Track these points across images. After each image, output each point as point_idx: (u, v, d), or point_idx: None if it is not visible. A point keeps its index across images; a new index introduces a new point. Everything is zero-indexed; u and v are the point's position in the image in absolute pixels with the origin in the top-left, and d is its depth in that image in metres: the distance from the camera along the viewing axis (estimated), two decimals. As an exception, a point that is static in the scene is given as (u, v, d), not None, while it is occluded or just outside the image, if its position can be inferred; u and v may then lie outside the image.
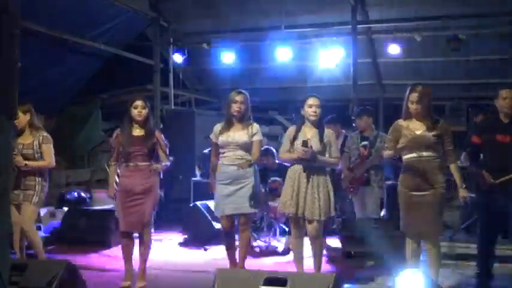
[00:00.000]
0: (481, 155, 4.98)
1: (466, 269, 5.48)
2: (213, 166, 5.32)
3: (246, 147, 5.11)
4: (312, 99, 4.97)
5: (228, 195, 5.08)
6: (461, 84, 10.69)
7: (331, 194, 4.94)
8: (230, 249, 5.28)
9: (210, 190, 5.42)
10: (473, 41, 8.83)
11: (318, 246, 4.99)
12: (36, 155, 5.37)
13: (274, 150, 7.47)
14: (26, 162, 5.27)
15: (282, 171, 7.01)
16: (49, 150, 5.42)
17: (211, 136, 5.29)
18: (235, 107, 5.13)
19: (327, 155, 4.94)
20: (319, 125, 5.00)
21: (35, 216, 5.43)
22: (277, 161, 7.29)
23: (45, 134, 5.47)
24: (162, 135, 5.24)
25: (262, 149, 7.70)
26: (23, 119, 5.35)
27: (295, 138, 4.95)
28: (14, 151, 5.26)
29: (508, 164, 4.71)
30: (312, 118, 4.95)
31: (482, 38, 8.92)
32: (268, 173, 7.37)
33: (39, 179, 5.36)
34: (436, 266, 4.58)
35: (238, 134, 5.11)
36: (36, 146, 5.38)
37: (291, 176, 4.95)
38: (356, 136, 6.62)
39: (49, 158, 5.41)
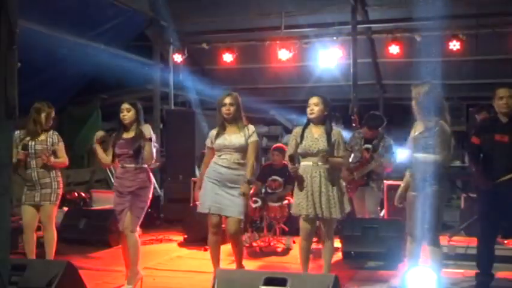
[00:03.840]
0: (481, 155, 4.98)
1: (466, 269, 5.48)
2: (202, 174, 5.19)
3: (243, 150, 5.04)
4: (310, 98, 4.98)
5: (216, 194, 4.96)
6: (461, 84, 10.70)
7: (344, 190, 4.98)
8: (215, 250, 5.10)
9: (195, 199, 5.29)
10: (473, 41, 8.84)
11: (332, 246, 5.01)
12: (47, 153, 5.34)
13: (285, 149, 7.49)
14: (52, 159, 5.28)
15: (285, 172, 7.05)
16: (63, 148, 5.46)
17: (207, 142, 5.20)
18: (224, 110, 5.05)
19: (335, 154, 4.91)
20: (325, 124, 4.95)
21: (55, 214, 5.43)
22: (284, 161, 7.31)
23: (56, 133, 5.47)
24: (153, 137, 5.08)
25: (275, 145, 7.73)
26: (41, 118, 5.36)
27: (302, 137, 4.93)
28: (26, 149, 5.29)
29: (506, 163, 4.71)
30: (309, 116, 4.96)
31: (482, 38, 8.94)
32: (271, 171, 7.37)
33: (54, 175, 5.36)
34: (437, 266, 4.57)
35: (234, 137, 5.03)
36: (50, 143, 5.37)
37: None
38: (360, 137, 6.59)
39: (65, 156, 5.46)
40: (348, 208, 4.99)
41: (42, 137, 5.37)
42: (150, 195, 5.13)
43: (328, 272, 4.84)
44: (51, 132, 5.43)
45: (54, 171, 5.39)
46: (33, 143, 5.32)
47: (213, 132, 5.18)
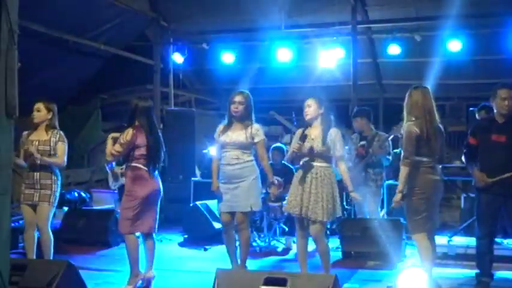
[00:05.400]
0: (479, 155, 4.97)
1: (466, 269, 5.48)
2: (213, 165, 5.38)
3: (243, 147, 5.12)
4: (306, 100, 5.00)
5: (225, 194, 5.15)
6: (461, 84, 10.69)
7: (336, 194, 4.91)
8: (229, 246, 5.28)
9: (212, 189, 5.41)
10: (473, 41, 8.83)
11: (323, 247, 4.98)
12: (51, 152, 5.30)
13: (284, 148, 7.49)
14: (39, 156, 5.19)
15: (285, 172, 7.04)
16: (63, 149, 5.36)
17: (215, 136, 5.34)
18: (233, 108, 5.15)
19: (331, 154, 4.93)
20: (322, 123, 4.98)
21: (51, 216, 5.40)
22: (283, 161, 7.30)
23: (61, 132, 5.42)
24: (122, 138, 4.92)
25: (274, 145, 7.73)
26: (43, 115, 5.33)
27: (302, 138, 4.94)
28: (25, 146, 5.27)
29: (503, 163, 4.72)
30: (305, 118, 4.99)
31: (482, 38, 8.93)
32: (272, 170, 7.34)
33: (55, 178, 5.32)
34: (421, 261, 4.59)
35: (236, 134, 5.14)
36: (53, 143, 5.31)
37: (297, 175, 4.99)
38: (356, 137, 6.69)
39: (62, 156, 5.35)
40: (339, 213, 4.96)
41: (46, 137, 5.33)
42: (138, 193, 4.90)
43: (328, 272, 4.85)
44: (55, 131, 5.38)
45: (55, 173, 5.34)
46: (37, 143, 5.31)
47: (220, 127, 5.29)
